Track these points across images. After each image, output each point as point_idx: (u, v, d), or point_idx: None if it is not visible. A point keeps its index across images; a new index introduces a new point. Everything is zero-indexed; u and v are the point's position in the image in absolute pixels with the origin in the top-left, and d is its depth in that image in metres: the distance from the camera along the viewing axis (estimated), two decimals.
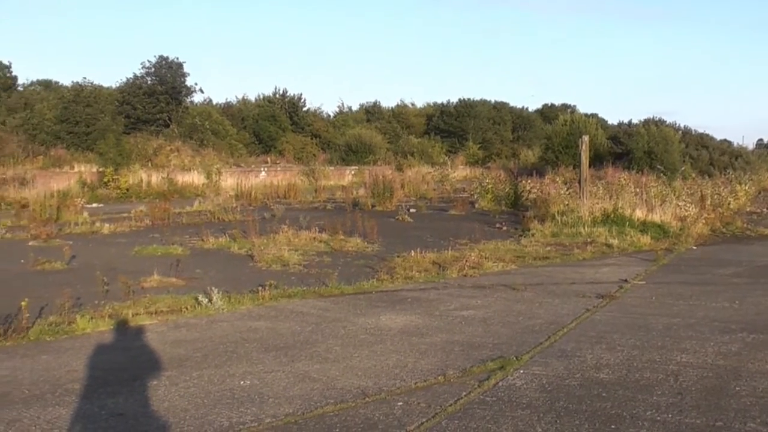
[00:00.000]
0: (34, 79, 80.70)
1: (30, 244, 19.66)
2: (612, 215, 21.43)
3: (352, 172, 54.42)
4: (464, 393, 7.16)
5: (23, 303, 10.03)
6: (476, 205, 30.95)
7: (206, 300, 11.33)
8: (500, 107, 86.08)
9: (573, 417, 6.52)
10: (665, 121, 54.56)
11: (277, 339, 9.41)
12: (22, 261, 16.54)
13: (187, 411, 6.77)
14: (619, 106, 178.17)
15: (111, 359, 8.77)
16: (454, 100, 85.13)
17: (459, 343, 9.14)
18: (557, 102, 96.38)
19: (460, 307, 11.36)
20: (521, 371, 7.83)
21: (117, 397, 7.27)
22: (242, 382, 7.58)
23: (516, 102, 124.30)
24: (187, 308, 11.21)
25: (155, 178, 43.38)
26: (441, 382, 7.53)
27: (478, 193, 33.03)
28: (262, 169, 53.10)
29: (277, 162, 61.23)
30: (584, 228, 20.43)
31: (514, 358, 8.29)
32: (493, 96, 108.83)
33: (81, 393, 7.42)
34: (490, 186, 32.30)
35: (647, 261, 16.29)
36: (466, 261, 15.01)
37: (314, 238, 18.95)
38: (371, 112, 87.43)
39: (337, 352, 8.71)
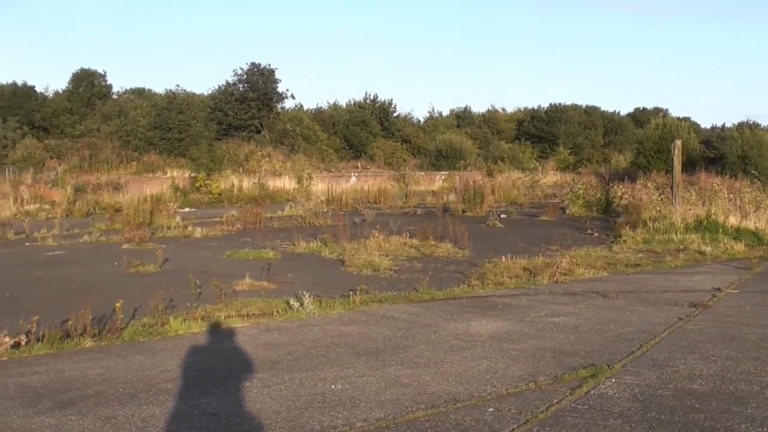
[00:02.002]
0: (128, 88, 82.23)
1: (124, 247, 20.09)
2: (705, 222, 21.11)
3: (443, 178, 54.34)
4: (555, 400, 7.12)
5: (117, 304, 10.25)
6: (567, 211, 30.72)
7: (297, 304, 11.44)
8: (591, 111, 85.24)
9: (665, 428, 6.44)
10: (760, 125, 53.63)
11: (368, 344, 9.46)
12: (116, 263, 16.90)
13: (279, 413, 6.84)
14: (712, 110, 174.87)
15: (203, 360, 8.92)
16: (545, 104, 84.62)
17: (550, 349, 9.09)
18: (649, 105, 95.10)
19: (551, 314, 11.28)
20: (613, 380, 7.76)
21: (210, 397, 7.38)
22: (333, 386, 7.63)
23: (607, 106, 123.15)
24: (278, 312, 11.33)
25: (246, 183, 43.84)
26: (532, 389, 7.50)
27: (569, 198, 32.80)
28: (352, 174, 53.31)
29: (368, 167, 61.46)
30: (676, 235, 20.16)
31: (606, 367, 8.22)
32: (584, 100, 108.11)
33: (174, 393, 7.56)
34: (581, 191, 32.03)
35: (741, 269, 16.01)
36: (557, 267, 14.91)
37: (405, 243, 19.00)
38: (462, 118, 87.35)
39: (428, 358, 8.72)
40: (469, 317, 11.00)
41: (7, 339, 9.32)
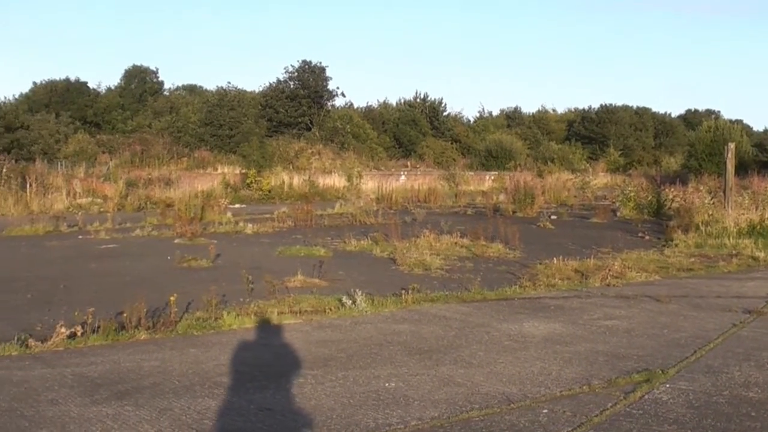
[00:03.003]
0: (180, 84, 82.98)
1: (176, 242, 20.25)
2: (758, 227, 20.90)
3: (492, 178, 54.28)
4: (610, 404, 7.08)
5: (172, 298, 10.38)
6: (618, 213, 30.54)
7: (350, 302, 11.48)
8: (642, 113, 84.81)
9: None
10: None
11: (420, 342, 9.47)
12: (169, 258, 17.07)
13: (333, 410, 6.87)
14: (765, 112, 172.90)
15: (257, 355, 8.99)
16: (596, 105, 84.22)
17: (603, 353, 9.04)
18: (701, 107, 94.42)
19: (603, 317, 11.21)
20: (667, 385, 7.69)
21: (264, 392, 7.42)
22: (387, 384, 7.65)
23: (658, 107, 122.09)
24: (330, 309, 11.36)
25: (297, 181, 44.02)
26: (586, 392, 7.46)
27: (620, 201, 32.64)
28: (401, 173, 53.36)
29: (417, 166, 61.51)
30: (729, 239, 19.94)
31: (660, 372, 8.15)
32: (635, 101, 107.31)
33: (229, 386, 7.61)
34: (632, 194, 31.84)
35: None
36: (609, 270, 14.82)
37: (456, 242, 18.98)
38: (512, 118, 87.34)
39: (481, 358, 8.71)
40: (521, 318, 10.98)
41: (63, 329, 9.44)
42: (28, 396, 7.30)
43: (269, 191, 41.62)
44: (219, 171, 48.09)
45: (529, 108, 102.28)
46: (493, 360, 8.61)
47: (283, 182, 43.82)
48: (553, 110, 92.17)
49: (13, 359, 8.74)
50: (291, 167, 49.34)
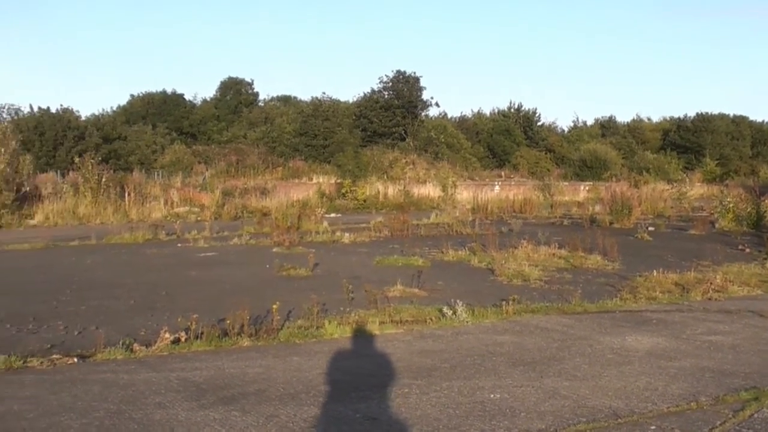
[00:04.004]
0: (275, 95, 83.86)
1: (274, 250, 20.47)
2: None
3: (587, 188, 53.78)
4: (719, 422, 6.92)
5: (274, 306, 10.47)
6: (716, 225, 29.98)
7: (450, 312, 11.46)
8: (739, 121, 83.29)
9: None
10: None
11: (523, 354, 9.41)
12: (268, 266, 17.26)
13: (439, 420, 6.85)
14: None
15: (359, 364, 9.02)
16: (691, 113, 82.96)
17: (709, 369, 8.86)
18: None
19: (706, 332, 10.99)
20: None
21: (369, 401, 7.43)
22: (492, 395, 7.60)
23: (756, 116, 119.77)
24: (431, 319, 11.36)
25: (391, 190, 44.18)
26: (693, 409, 7.32)
27: (718, 212, 31.99)
28: (496, 183, 53.19)
29: (511, 176, 61.24)
30: None
31: None
32: (731, 109, 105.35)
33: (333, 395, 7.65)
34: (731, 205, 31.22)
35: None
36: (710, 284, 14.54)
37: (553, 254, 18.85)
38: (606, 127, 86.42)
39: (585, 371, 8.62)
40: (623, 332, 10.84)
41: (167, 335, 9.61)
42: (135, 399, 7.45)
43: (364, 201, 41.87)
44: (314, 180, 48.46)
45: (623, 117, 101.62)
46: (598, 373, 8.51)
47: (378, 192, 44.05)
48: (648, 119, 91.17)
49: (118, 363, 8.94)
50: (385, 177, 49.53)
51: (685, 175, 60.05)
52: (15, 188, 33.90)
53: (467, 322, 11.23)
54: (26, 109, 55.18)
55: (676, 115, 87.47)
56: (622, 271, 17.00)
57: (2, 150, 33.16)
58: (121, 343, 9.61)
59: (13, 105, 57.23)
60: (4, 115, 55.33)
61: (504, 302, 12.14)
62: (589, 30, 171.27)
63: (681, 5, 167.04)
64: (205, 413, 7.00)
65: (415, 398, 7.52)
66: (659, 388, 7.96)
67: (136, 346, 9.45)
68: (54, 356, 9.06)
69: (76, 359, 9.02)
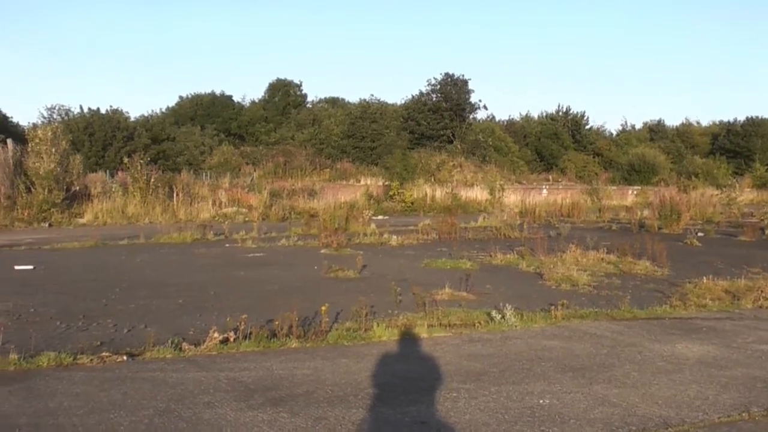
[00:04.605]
0: (323, 97, 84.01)
1: (322, 252, 20.52)
2: None
3: (635, 193, 53.46)
4: None
5: (323, 308, 10.49)
6: (766, 232, 29.62)
7: (499, 316, 11.41)
8: None
9: None
10: None
11: (572, 360, 9.35)
12: (316, 268, 17.30)
13: (488, 425, 6.82)
14: None
15: (408, 368, 8.98)
16: (741, 117, 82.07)
17: (760, 379, 8.73)
18: None
19: (757, 341, 10.84)
20: None
21: (418, 405, 7.41)
22: (541, 401, 7.56)
23: None
24: (479, 323, 11.33)
25: (439, 193, 44.15)
26: (745, 419, 7.23)
27: None
28: (543, 186, 52.99)
29: (559, 180, 60.98)
30: None
31: None
32: None
33: (382, 398, 7.64)
34: None
35: None
36: (761, 292, 14.34)
37: (602, 258, 18.70)
38: (655, 131, 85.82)
39: (635, 378, 8.54)
40: (673, 339, 10.73)
41: (216, 335, 9.66)
42: (184, 398, 7.50)
43: (412, 203, 41.88)
44: (361, 182, 48.52)
45: (672, 121, 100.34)
46: (648, 381, 8.43)
47: (425, 194, 44.02)
48: (697, 123, 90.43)
49: (167, 362, 8.99)
50: (433, 180, 49.48)
51: (734, 180, 59.38)
52: (65, 187, 34.27)
53: (516, 326, 11.19)
54: (76, 110, 55.66)
55: (725, 119, 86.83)
56: (672, 278, 16.83)
57: (53, 150, 33.53)
58: (170, 342, 9.68)
59: (63, 106, 57.69)
60: (55, 116, 55.85)
61: (553, 307, 12.06)
62: (638, 33, 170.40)
63: (732, 7, 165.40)
64: (253, 414, 7.03)
65: (463, 402, 7.50)
66: (710, 398, 7.87)
67: (185, 346, 9.51)
68: (104, 354, 9.13)
69: (125, 357, 9.09)
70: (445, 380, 8.30)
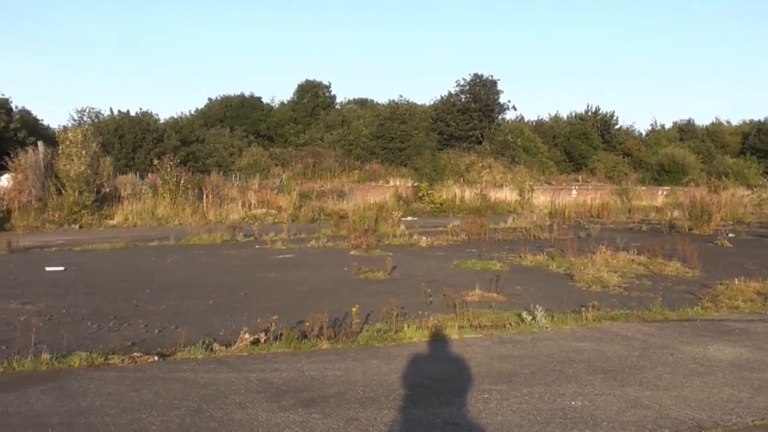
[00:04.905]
0: (352, 98, 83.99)
1: (351, 253, 20.54)
2: None
3: (665, 193, 53.18)
4: None
5: (354, 309, 10.51)
6: None
7: (530, 317, 11.40)
8: None
9: None
10: None
11: (603, 362, 9.31)
12: (346, 269, 17.32)
13: (520, 427, 6.82)
14: None
15: (439, 369, 8.99)
16: None
17: None
18: None
19: None
20: None
21: (449, 406, 7.42)
22: (573, 403, 7.55)
23: None
24: (510, 324, 11.32)
25: (468, 194, 44.10)
26: None
27: None
28: (572, 187, 52.82)
29: (588, 180, 60.73)
30: None
31: None
32: None
33: (413, 399, 7.65)
34: None
35: None
36: None
37: (632, 260, 18.61)
38: (684, 131, 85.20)
39: (667, 380, 8.50)
40: (705, 341, 10.67)
41: (247, 336, 9.71)
42: (215, 398, 7.55)
43: (441, 204, 41.89)
44: (390, 184, 48.51)
45: (702, 120, 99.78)
46: (680, 383, 8.38)
47: (455, 195, 44.00)
48: (728, 122, 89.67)
49: (198, 362, 9.05)
50: (462, 180, 49.43)
51: (765, 180, 58.94)
52: (95, 189, 34.50)
53: (547, 327, 11.17)
54: (106, 113, 55.95)
55: (756, 119, 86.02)
56: (703, 279, 16.73)
57: (83, 152, 33.78)
58: (201, 342, 9.73)
59: (93, 108, 57.96)
60: (85, 119, 56.18)
61: (583, 308, 12.04)
62: (667, 32, 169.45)
63: (761, 6, 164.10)
64: (285, 415, 7.06)
65: (495, 404, 7.49)
66: (743, 400, 7.82)
67: (216, 346, 9.56)
68: (135, 354, 9.20)
69: (156, 357, 9.15)
70: (476, 381, 8.30)
